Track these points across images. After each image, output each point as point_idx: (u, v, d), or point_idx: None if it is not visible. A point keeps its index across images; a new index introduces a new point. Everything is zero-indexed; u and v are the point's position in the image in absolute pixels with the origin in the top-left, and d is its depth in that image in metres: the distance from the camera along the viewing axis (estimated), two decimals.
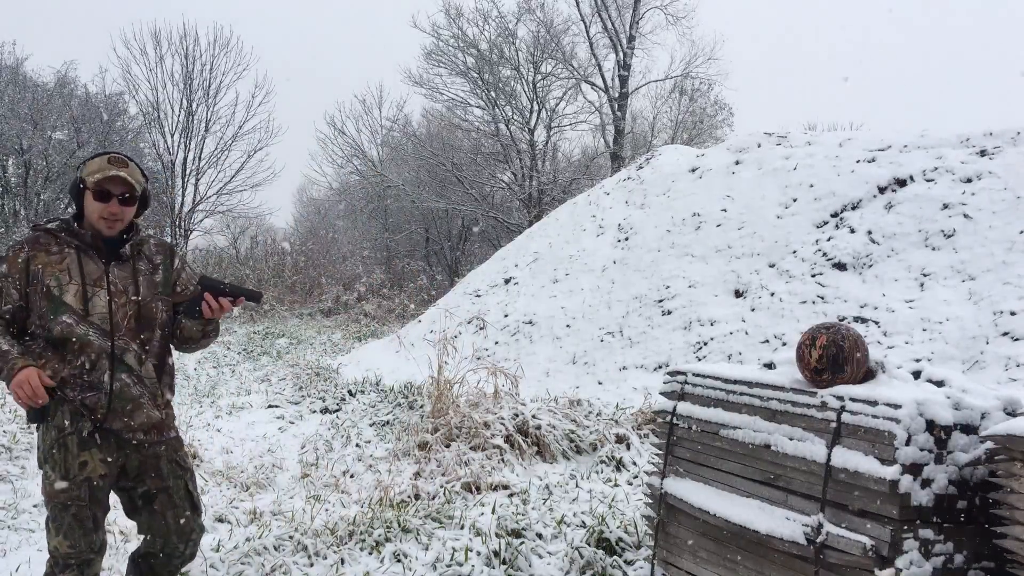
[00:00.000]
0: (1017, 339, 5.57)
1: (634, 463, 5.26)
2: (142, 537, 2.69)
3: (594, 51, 23.26)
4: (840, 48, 51.65)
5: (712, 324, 7.84)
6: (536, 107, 24.15)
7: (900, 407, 2.24)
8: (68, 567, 2.44)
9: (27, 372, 2.30)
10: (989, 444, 2.22)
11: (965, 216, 6.85)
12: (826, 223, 8.00)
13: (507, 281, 11.47)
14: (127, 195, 2.49)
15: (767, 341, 7.15)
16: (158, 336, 2.58)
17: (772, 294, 7.63)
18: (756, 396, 2.70)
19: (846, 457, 2.32)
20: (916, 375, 2.57)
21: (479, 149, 24.38)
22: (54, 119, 20.14)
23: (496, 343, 9.71)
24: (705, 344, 7.66)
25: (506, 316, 10.29)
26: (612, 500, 4.35)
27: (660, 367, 7.73)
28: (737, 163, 9.95)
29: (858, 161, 8.39)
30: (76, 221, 2.53)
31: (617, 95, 23.31)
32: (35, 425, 2.47)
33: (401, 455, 5.41)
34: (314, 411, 7.38)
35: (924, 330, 6.12)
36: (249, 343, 13.19)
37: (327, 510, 4.33)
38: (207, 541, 3.73)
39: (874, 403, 2.31)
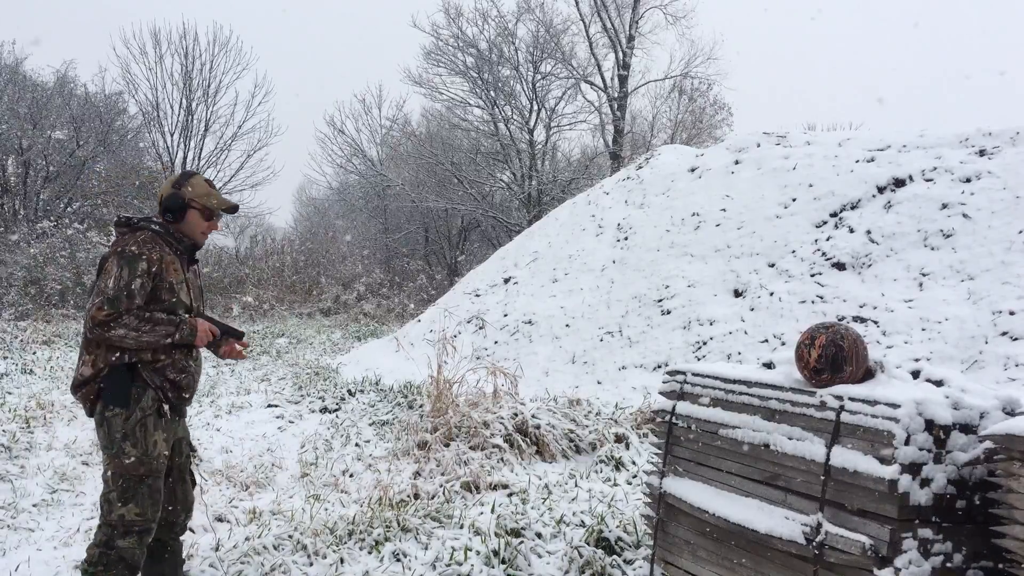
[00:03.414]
0: (1016, 339, 5.58)
1: (633, 463, 5.26)
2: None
3: (593, 51, 23.27)
4: (841, 47, 51.69)
5: (711, 324, 7.85)
6: (535, 107, 24.16)
7: (899, 407, 2.24)
8: (129, 533, 2.77)
9: (200, 323, 2.89)
10: (988, 444, 2.22)
11: (964, 216, 6.86)
12: (825, 223, 8.00)
13: (507, 281, 11.47)
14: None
15: (766, 341, 7.15)
16: None
17: (771, 294, 7.63)
18: (755, 396, 2.70)
19: (845, 457, 2.32)
20: (915, 375, 2.57)
21: (479, 149, 24.38)
22: (54, 119, 20.12)
23: (496, 343, 9.71)
24: (704, 344, 7.66)
25: (506, 316, 10.29)
26: (611, 499, 4.35)
27: (659, 367, 7.73)
28: (736, 163, 9.96)
29: (857, 161, 8.40)
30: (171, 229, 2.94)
31: (616, 95, 23.31)
32: (109, 408, 2.76)
33: (400, 455, 5.41)
34: (313, 411, 7.38)
35: (923, 330, 6.12)
36: (249, 342, 13.18)
37: (326, 509, 4.33)
38: (207, 540, 3.74)
39: (873, 403, 2.31)
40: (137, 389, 2.78)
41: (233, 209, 3.06)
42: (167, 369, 2.83)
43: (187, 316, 2.88)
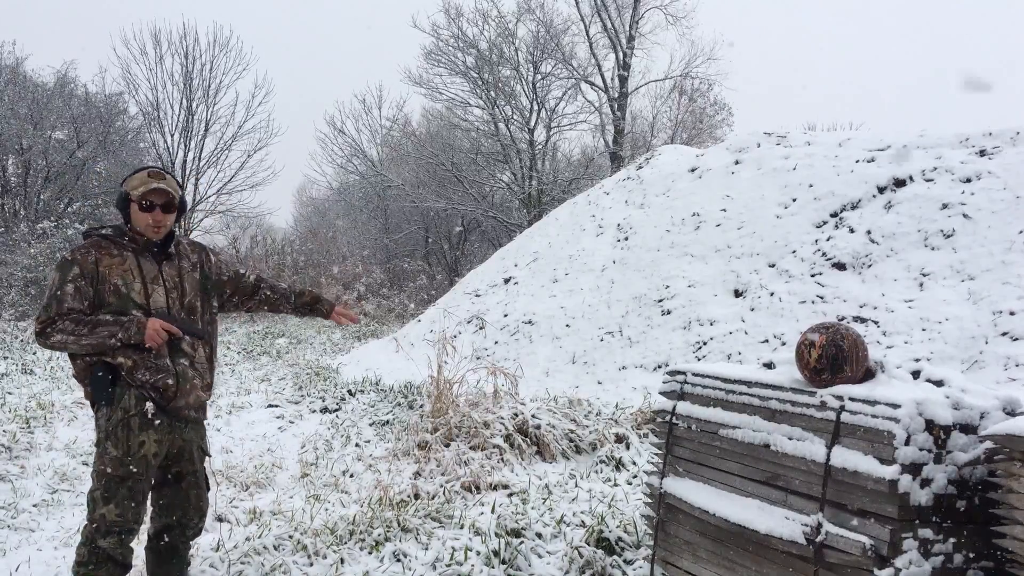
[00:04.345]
0: (1016, 339, 5.57)
1: (633, 463, 5.26)
2: (153, 520, 3.08)
3: (594, 51, 23.26)
4: (839, 47, 51.68)
5: (712, 324, 7.85)
6: (536, 107, 24.14)
7: (899, 407, 2.24)
8: (111, 533, 2.76)
9: (151, 321, 2.75)
10: (988, 444, 2.22)
11: (964, 216, 6.86)
12: (825, 223, 8.00)
13: (507, 281, 11.47)
14: (168, 204, 2.88)
15: (767, 341, 7.15)
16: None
17: (772, 294, 7.63)
18: (755, 396, 2.70)
19: (845, 457, 2.32)
20: (915, 375, 2.57)
21: (479, 149, 24.37)
22: (54, 119, 20.11)
23: (496, 343, 9.71)
24: (705, 344, 7.66)
25: (506, 316, 10.29)
26: (611, 500, 4.35)
27: (660, 367, 7.73)
28: (737, 163, 9.95)
29: (857, 161, 8.40)
30: (126, 228, 2.90)
31: (617, 95, 23.30)
32: (98, 407, 2.79)
33: (401, 455, 5.41)
34: (314, 411, 7.38)
35: (923, 330, 6.12)
36: (249, 343, 13.19)
37: (327, 510, 4.33)
38: (207, 540, 3.74)
39: (873, 403, 2.31)
40: (119, 389, 2.76)
41: (157, 193, 2.82)
42: (137, 371, 2.76)
43: (137, 316, 2.76)
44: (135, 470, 2.76)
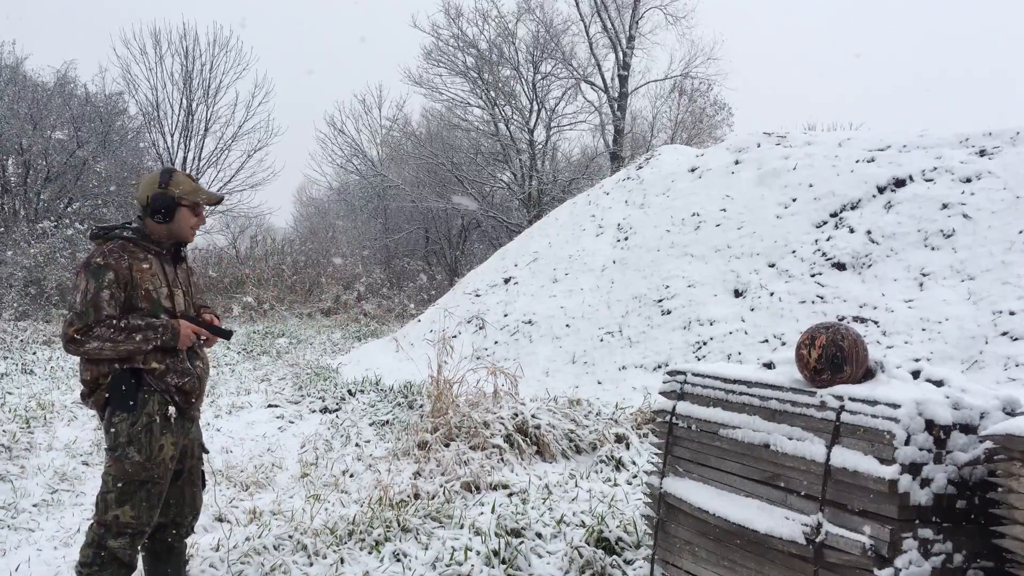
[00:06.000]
0: (1016, 339, 5.58)
1: (633, 463, 5.26)
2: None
3: (594, 51, 23.26)
4: (840, 47, 51.69)
5: (711, 324, 7.85)
6: (536, 107, 24.15)
7: (899, 407, 2.24)
8: (123, 535, 2.77)
9: (182, 324, 2.83)
10: (988, 444, 2.22)
11: (964, 216, 6.86)
12: (825, 223, 8.00)
13: (507, 281, 11.47)
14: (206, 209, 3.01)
15: (766, 341, 7.15)
16: None
17: (771, 294, 7.63)
18: (755, 396, 2.70)
19: (845, 457, 2.32)
20: (915, 375, 2.57)
21: (479, 149, 24.38)
22: (54, 119, 20.10)
23: (496, 343, 9.71)
24: (704, 344, 7.66)
25: (506, 316, 10.29)
26: (611, 500, 4.35)
27: (660, 367, 7.73)
28: (736, 163, 9.95)
29: (857, 161, 8.40)
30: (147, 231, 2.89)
31: (617, 95, 23.30)
32: (115, 412, 2.76)
33: (401, 455, 5.41)
34: (314, 411, 7.38)
35: (923, 330, 6.12)
36: (249, 343, 13.19)
37: (327, 510, 4.33)
38: (207, 540, 3.74)
39: (873, 403, 2.31)
40: (143, 394, 2.77)
41: (218, 200, 3.02)
42: (167, 375, 2.82)
43: (168, 319, 2.82)
44: (156, 473, 2.79)
